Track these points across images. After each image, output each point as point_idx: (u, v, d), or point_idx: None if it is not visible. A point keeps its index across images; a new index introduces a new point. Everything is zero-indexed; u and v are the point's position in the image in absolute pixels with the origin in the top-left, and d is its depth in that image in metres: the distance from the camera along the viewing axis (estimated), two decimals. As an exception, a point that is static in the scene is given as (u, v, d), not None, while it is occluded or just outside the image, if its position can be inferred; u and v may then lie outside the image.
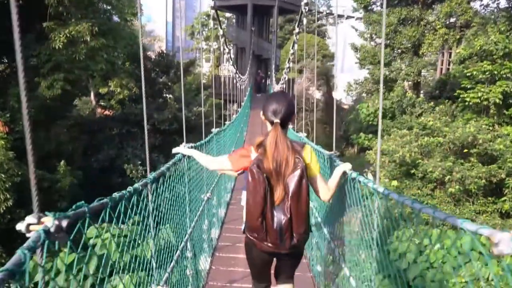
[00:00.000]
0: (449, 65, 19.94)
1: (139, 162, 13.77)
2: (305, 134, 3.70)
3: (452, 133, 11.10)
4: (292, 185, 1.58)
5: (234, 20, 26.29)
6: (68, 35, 10.55)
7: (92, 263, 2.80)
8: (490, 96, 12.36)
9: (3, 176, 8.94)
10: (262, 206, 1.57)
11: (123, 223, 1.19)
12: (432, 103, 15.58)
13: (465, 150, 10.94)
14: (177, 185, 1.97)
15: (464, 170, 10.19)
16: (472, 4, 16.39)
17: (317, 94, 24.97)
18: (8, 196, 9.01)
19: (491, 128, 12.09)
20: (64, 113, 13.59)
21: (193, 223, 2.41)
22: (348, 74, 26.08)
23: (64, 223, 0.69)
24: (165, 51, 19.91)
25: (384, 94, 18.13)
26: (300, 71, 21.48)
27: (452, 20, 16.86)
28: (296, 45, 5.14)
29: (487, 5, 16.93)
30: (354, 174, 1.68)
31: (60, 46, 10.49)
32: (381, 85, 1.77)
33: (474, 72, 12.65)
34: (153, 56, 18.94)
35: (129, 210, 1.11)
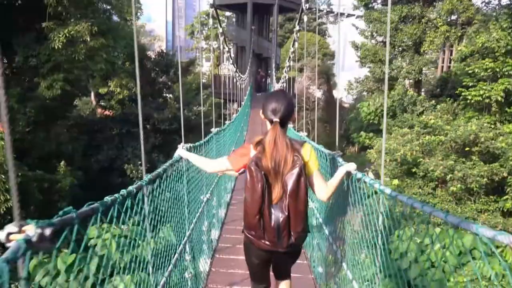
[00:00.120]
0: (450, 63, 19.85)
1: (139, 162, 13.73)
2: (306, 134, 3.65)
3: (454, 132, 11.04)
4: (290, 183, 1.57)
5: (234, 19, 26.21)
6: (67, 35, 10.50)
7: (85, 268, 2.75)
8: (492, 93, 12.29)
9: (3, 177, 8.91)
10: (260, 204, 1.56)
11: (123, 223, 1.15)
12: (433, 101, 15.51)
13: (467, 149, 10.88)
14: (175, 187, 1.92)
15: (465, 169, 10.13)
16: (473, 1, 16.30)
17: (318, 93, 24.90)
18: (8, 197, 8.98)
19: (493, 126, 12.02)
20: (64, 114, 13.55)
21: (192, 225, 2.36)
22: (348, 73, 25.99)
23: (48, 232, 0.64)
24: (165, 51, 19.83)
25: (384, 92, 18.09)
26: (301, 70, 21.41)
27: (453, 17, 16.77)
28: (296, 43, 5.09)
29: (489, 2, 16.85)
30: (359, 175, 1.63)
31: (60, 46, 10.44)
32: (386, 84, 1.72)
33: (476, 70, 12.57)
34: (152, 56, 18.89)
35: (122, 214, 1.06)
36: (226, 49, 8.01)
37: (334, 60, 31.08)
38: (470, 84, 12.94)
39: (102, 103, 18.13)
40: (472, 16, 15.69)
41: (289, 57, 8.84)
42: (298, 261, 1.94)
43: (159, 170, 1.56)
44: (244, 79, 14.78)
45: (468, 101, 13.02)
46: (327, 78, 26.11)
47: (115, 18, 15.38)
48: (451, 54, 19.72)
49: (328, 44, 31.93)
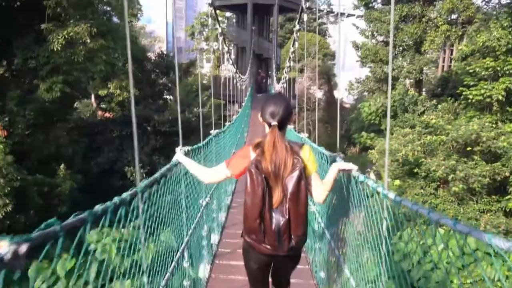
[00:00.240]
0: (450, 62, 19.78)
1: (140, 165, 13.70)
2: (307, 135, 3.59)
3: (455, 131, 10.98)
4: (290, 186, 1.56)
5: (234, 20, 26.18)
6: (66, 36, 10.46)
7: (85, 273, 2.70)
8: (493, 93, 12.23)
9: (1, 181, 8.86)
10: (261, 207, 1.55)
11: (123, 227, 1.11)
12: (434, 101, 15.44)
13: (469, 148, 10.81)
14: (173, 192, 1.87)
15: (467, 169, 10.07)
16: (473, 0, 16.24)
17: (319, 94, 24.84)
18: (7, 201, 8.93)
19: (494, 125, 11.95)
20: (63, 116, 13.52)
21: (191, 230, 2.30)
22: (349, 73, 25.93)
23: (23, 249, 0.59)
24: (165, 52, 19.82)
25: (385, 92, 18.04)
26: (301, 70, 21.37)
27: (453, 16, 16.71)
28: (296, 43, 5.03)
29: (489, 1, 16.78)
30: (361, 177, 1.57)
31: (59, 48, 10.41)
32: (389, 85, 1.67)
33: (477, 69, 12.51)
34: (153, 57, 18.88)
35: (115, 223, 1.01)
36: (226, 49, 7.96)
37: (335, 60, 31.03)
38: (471, 83, 12.87)
39: (103, 105, 18.11)
40: (473, 15, 15.63)
41: (289, 57, 8.78)
42: (299, 266, 1.90)
43: (156, 175, 1.50)
44: (245, 80, 14.73)
45: (469, 100, 12.95)
46: (327, 78, 26.05)
47: (115, 19, 15.35)
48: (451, 54, 19.66)
49: (328, 44, 31.88)
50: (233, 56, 22.96)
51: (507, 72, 12.20)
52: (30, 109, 11.55)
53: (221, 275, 3.01)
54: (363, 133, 16.98)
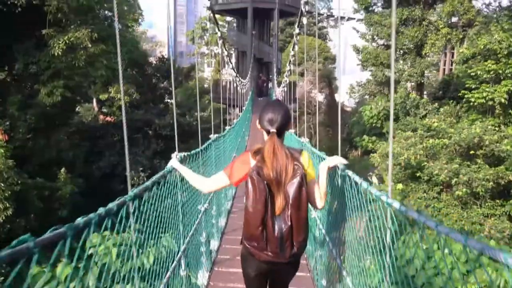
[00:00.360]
0: (451, 65, 19.74)
1: (141, 169, 13.66)
2: (308, 140, 3.53)
3: (458, 135, 10.89)
4: (292, 192, 1.56)
5: (235, 24, 26.27)
6: (67, 41, 10.51)
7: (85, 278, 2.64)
8: (495, 96, 12.16)
9: (2, 185, 8.83)
10: (263, 214, 1.54)
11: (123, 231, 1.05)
12: (436, 104, 15.37)
13: (471, 152, 10.71)
14: (168, 199, 1.81)
15: (471, 172, 9.96)
16: (474, 3, 16.24)
17: (320, 97, 24.81)
18: (7, 205, 8.89)
19: (497, 128, 11.86)
20: (65, 120, 13.53)
21: (188, 238, 2.24)
22: (350, 76, 25.93)
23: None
24: (166, 57, 19.88)
25: (387, 95, 17.98)
26: (302, 74, 21.36)
27: (454, 19, 16.69)
28: (296, 47, 5.00)
29: (489, 4, 16.76)
30: (364, 184, 1.51)
31: (60, 53, 10.44)
32: (392, 88, 1.61)
33: (478, 72, 12.45)
34: (154, 62, 18.93)
35: (99, 236, 0.95)
36: (226, 53, 7.94)
37: (335, 63, 31.04)
38: (473, 86, 12.81)
39: (104, 110, 18.14)
40: (473, 18, 15.61)
41: (289, 61, 8.76)
42: (300, 274, 1.84)
43: (148, 183, 1.45)
44: (245, 83, 14.71)
45: (471, 103, 12.88)
46: (328, 82, 26.04)
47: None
48: (452, 57, 19.62)
49: (329, 48, 31.92)
50: (234, 60, 23.00)
51: (509, 74, 12.13)
52: (31, 114, 11.56)
53: (220, 283, 2.93)
54: (365, 137, 16.90)
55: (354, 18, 21.62)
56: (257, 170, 1.56)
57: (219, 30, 5.17)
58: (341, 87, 21.50)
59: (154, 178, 1.58)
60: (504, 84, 12.12)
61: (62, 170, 11.35)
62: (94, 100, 18.72)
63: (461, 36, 16.22)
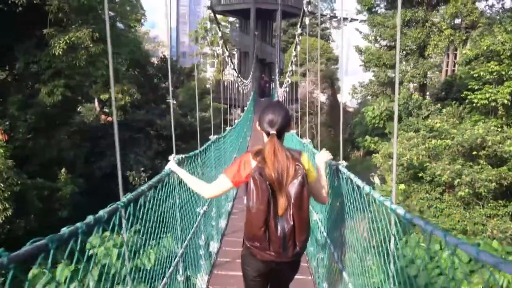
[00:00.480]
0: (454, 66, 19.63)
1: (142, 169, 13.63)
2: (309, 140, 3.48)
3: (460, 135, 10.82)
4: (293, 192, 1.57)
5: (237, 25, 26.24)
6: (68, 41, 10.48)
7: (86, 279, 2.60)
8: (498, 97, 12.08)
9: (2, 185, 8.80)
10: (266, 214, 1.54)
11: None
12: (438, 104, 15.29)
13: (474, 152, 10.64)
14: (165, 203, 1.76)
15: (473, 173, 9.90)
16: (477, 4, 16.13)
17: (322, 97, 24.74)
18: (7, 205, 8.86)
19: (500, 129, 11.79)
20: (65, 120, 13.50)
21: (186, 242, 2.19)
22: (352, 77, 25.85)
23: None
24: (167, 56, 19.85)
25: (389, 96, 17.90)
26: (304, 75, 21.28)
27: (457, 21, 16.60)
28: (298, 47, 4.94)
29: (492, 6, 16.68)
30: (367, 189, 1.46)
31: (60, 53, 10.42)
32: (396, 88, 1.56)
33: (481, 73, 12.39)
34: (156, 62, 18.91)
35: (88, 248, 0.90)
36: (227, 53, 7.89)
37: (338, 64, 30.95)
38: (476, 87, 12.74)
39: (106, 109, 18.13)
40: (477, 20, 15.52)
41: (291, 61, 8.70)
42: (302, 277, 1.80)
43: (143, 187, 1.40)
44: (247, 84, 14.67)
45: (474, 104, 12.81)
46: (331, 82, 25.97)
47: (119, 25, 15.42)
48: (455, 58, 19.50)
49: (331, 48, 31.84)
50: (236, 61, 22.96)
51: (512, 76, 12.05)
52: (31, 113, 11.54)
53: (219, 287, 2.88)
54: (367, 137, 16.83)
55: (357, 19, 21.56)
56: (259, 171, 1.57)
57: (219, 29, 5.13)
58: (343, 88, 21.45)
59: (151, 182, 1.53)
60: (507, 85, 12.05)
61: (63, 170, 11.32)
62: (96, 100, 18.73)
63: (464, 38, 16.13)
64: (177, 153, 2.01)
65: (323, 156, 1.94)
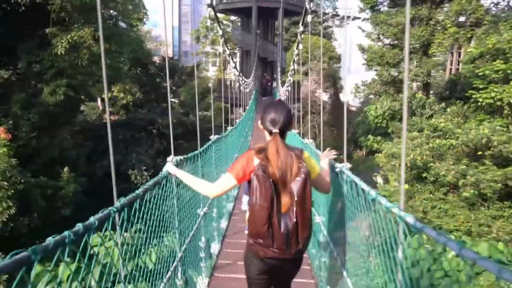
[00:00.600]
0: (458, 65, 19.44)
1: (144, 168, 13.63)
2: (312, 141, 3.41)
3: (465, 135, 10.69)
4: (297, 190, 1.59)
5: (239, 24, 26.16)
6: (70, 40, 10.47)
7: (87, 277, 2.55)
8: (504, 96, 11.93)
9: (5, 184, 8.83)
10: (269, 211, 1.56)
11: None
12: (443, 104, 15.14)
13: (479, 153, 10.51)
14: (162, 206, 1.71)
15: (478, 174, 9.77)
16: (482, 1, 15.94)
17: (324, 97, 24.62)
18: (10, 204, 8.90)
19: (505, 129, 11.64)
20: (68, 119, 13.52)
21: (185, 245, 2.14)
22: (355, 76, 25.68)
23: None
24: (169, 56, 19.82)
25: (392, 95, 17.76)
26: (306, 74, 21.18)
27: (461, 19, 16.42)
28: (300, 45, 4.88)
29: (498, 3, 16.46)
30: (373, 193, 1.40)
31: (63, 52, 10.41)
32: (405, 84, 1.50)
33: (487, 72, 12.23)
34: (157, 61, 18.89)
35: (78, 257, 0.85)
36: (228, 52, 7.83)
37: (340, 63, 30.79)
38: (481, 86, 12.58)
39: (110, 109, 18.10)
40: (482, 17, 15.32)
41: (293, 60, 8.62)
42: (304, 280, 1.75)
43: (138, 191, 1.34)
44: (249, 83, 14.59)
45: (479, 103, 12.65)
46: (333, 81, 25.85)
47: (122, 24, 15.41)
48: (459, 56, 19.31)
49: (334, 47, 31.67)
50: (238, 60, 22.88)
51: (518, 74, 11.89)
52: (34, 113, 11.56)
53: (220, 290, 2.83)
54: (370, 137, 16.72)
55: (359, 18, 21.40)
56: (262, 169, 1.58)
57: (220, 27, 5.07)
58: (346, 86, 21.33)
59: (146, 185, 1.48)
60: (513, 84, 11.88)
61: (65, 169, 11.34)
62: (99, 99, 18.75)
63: (469, 36, 15.95)
64: (179, 152, 1.97)
65: (327, 154, 2.04)
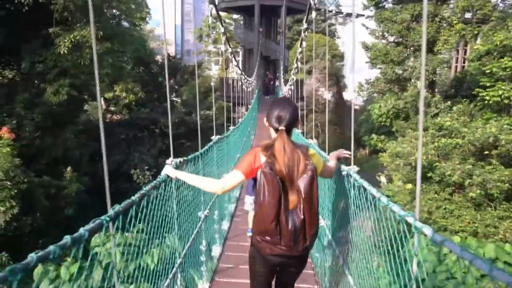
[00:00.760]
0: (463, 62, 19.18)
1: (146, 167, 13.61)
2: (315, 141, 3.33)
3: (472, 134, 10.51)
4: (304, 187, 1.58)
5: (241, 22, 26.06)
6: (73, 40, 10.46)
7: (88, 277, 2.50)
8: (512, 94, 11.72)
9: (9, 183, 8.84)
10: (277, 208, 1.55)
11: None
12: (448, 102, 14.93)
13: (486, 152, 10.33)
14: (160, 212, 1.63)
15: (485, 173, 9.60)
16: (489, -3, 15.66)
17: (327, 95, 24.46)
18: (14, 203, 8.91)
19: (513, 128, 11.42)
20: (71, 119, 13.54)
21: (184, 250, 2.07)
22: (358, 74, 25.47)
23: None
24: (172, 55, 19.79)
25: (397, 93, 17.57)
26: (309, 72, 21.04)
27: (467, 15, 16.18)
28: (304, 43, 4.79)
29: (505, -1, 16.19)
30: (384, 199, 1.32)
31: (65, 52, 10.41)
32: (422, 77, 1.41)
33: (494, 69, 12.03)
34: (160, 60, 18.85)
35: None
36: (230, 50, 7.75)
37: (344, 61, 30.57)
38: (488, 84, 12.38)
39: (113, 108, 18.15)
40: (489, 14, 15.07)
41: (297, 58, 8.51)
42: (308, 286, 1.68)
43: (134, 197, 1.27)
44: (251, 82, 14.50)
45: (486, 102, 12.45)
46: (336, 79, 25.67)
47: (125, 24, 15.39)
48: (465, 54, 19.06)
49: (337, 45, 31.46)
50: (240, 58, 22.78)
51: (526, 72, 11.68)
52: (38, 112, 11.58)
53: (221, 295, 2.76)
54: (373, 135, 16.57)
55: (363, 15, 21.20)
56: (269, 166, 1.58)
57: (222, 25, 4.99)
58: (351, 85, 21.16)
59: (143, 190, 1.40)
60: (521, 82, 11.68)
61: (68, 168, 11.36)
62: (102, 99, 18.76)
63: (475, 32, 15.70)
64: (181, 151, 1.90)
65: (337, 154, 2.06)
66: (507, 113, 12.49)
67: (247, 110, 11.19)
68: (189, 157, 2.16)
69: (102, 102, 18.98)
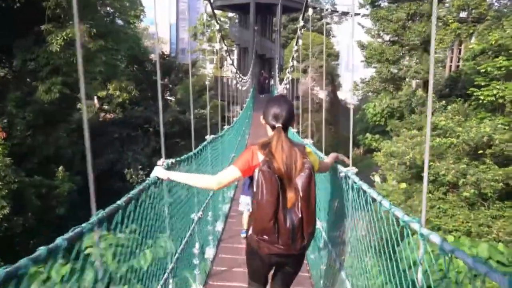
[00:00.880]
0: (458, 62, 19.30)
1: (140, 167, 13.46)
2: (311, 141, 3.27)
3: (466, 133, 10.55)
4: (301, 185, 1.58)
5: (237, 20, 25.93)
6: (65, 37, 10.28)
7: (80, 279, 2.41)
8: (506, 93, 11.80)
9: (-1, 183, 8.68)
10: (275, 207, 1.54)
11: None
12: (443, 101, 15.00)
13: (480, 151, 10.38)
14: (150, 216, 1.56)
15: (479, 173, 9.65)
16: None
17: (322, 94, 24.47)
18: (4, 203, 8.75)
19: (507, 127, 11.49)
20: (64, 117, 13.32)
21: (177, 255, 1.99)
22: (353, 73, 25.48)
23: None
24: (166, 53, 19.62)
25: (391, 93, 17.62)
26: (304, 71, 21.02)
27: (463, 14, 16.25)
28: (300, 41, 4.73)
29: (500, -2, 16.28)
30: (386, 204, 1.27)
31: (58, 49, 10.23)
32: (431, 69, 1.35)
33: (489, 68, 12.09)
34: (154, 58, 18.66)
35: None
36: (224, 48, 7.67)
37: (339, 60, 30.59)
38: (482, 83, 12.44)
39: (106, 107, 17.94)
40: (485, 13, 15.14)
41: (293, 57, 8.44)
42: None
43: (120, 202, 1.19)
44: (246, 80, 14.42)
45: (480, 101, 12.52)
46: (331, 78, 25.67)
47: (119, 22, 15.19)
48: (459, 53, 19.17)
49: (332, 44, 31.46)
50: (235, 57, 22.66)
51: (521, 71, 11.76)
52: (30, 111, 11.38)
53: (215, 298, 2.69)
54: (368, 135, 16.60)
55: (359, 14, 21.20)
56: (267, 164, 1.56)
57: (217, 22, 4.92)
58: (346, 84, 21.15)
59: (131, 193, 1.33)
60: (516, 81, 11.76)
61: (60, 168, 11.19)
62: (95, 97, 18.53)
63: (471, 31, 15.77)
64: (175, 151, 1.83)
65: (337, 154, 2.09)
66: (501, 112, 12.58)
67: (242, 109, 11.12)
68: (182, 157, 2.09)
69: (95, 100, 18.74)
